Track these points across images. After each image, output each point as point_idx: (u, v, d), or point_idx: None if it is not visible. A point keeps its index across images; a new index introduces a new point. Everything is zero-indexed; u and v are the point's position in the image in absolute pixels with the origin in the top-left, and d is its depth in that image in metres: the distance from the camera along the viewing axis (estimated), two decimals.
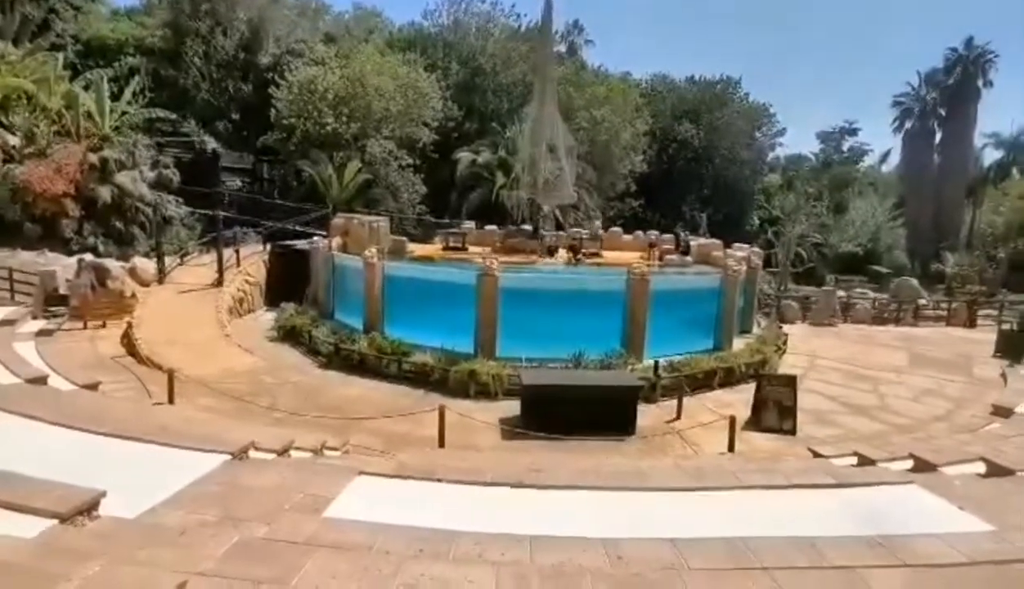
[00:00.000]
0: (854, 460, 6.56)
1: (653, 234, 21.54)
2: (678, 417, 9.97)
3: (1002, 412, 10.16)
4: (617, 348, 11.98)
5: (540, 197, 19.91)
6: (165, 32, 29.11)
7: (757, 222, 41.10)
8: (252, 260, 18.16)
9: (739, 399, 10.77)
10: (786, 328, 16.80)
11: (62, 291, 13.97)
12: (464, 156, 28.67)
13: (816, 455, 7.48)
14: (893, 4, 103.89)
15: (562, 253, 18.67)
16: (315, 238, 18.10)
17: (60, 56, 23.23)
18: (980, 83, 42.39)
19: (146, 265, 16.88)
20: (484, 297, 11.96)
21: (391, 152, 26.70)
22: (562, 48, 39.56)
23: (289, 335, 13.93)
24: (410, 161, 27.38)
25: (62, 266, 14.97)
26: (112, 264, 15.54)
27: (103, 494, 3.34)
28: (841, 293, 23.32)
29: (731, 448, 8.54)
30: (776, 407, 9.81)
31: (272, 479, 4.39)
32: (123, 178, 20.03)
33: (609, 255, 19.38)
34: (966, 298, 24.88)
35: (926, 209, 42.33)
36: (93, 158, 19.43)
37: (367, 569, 2.77)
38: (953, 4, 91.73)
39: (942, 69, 43.68)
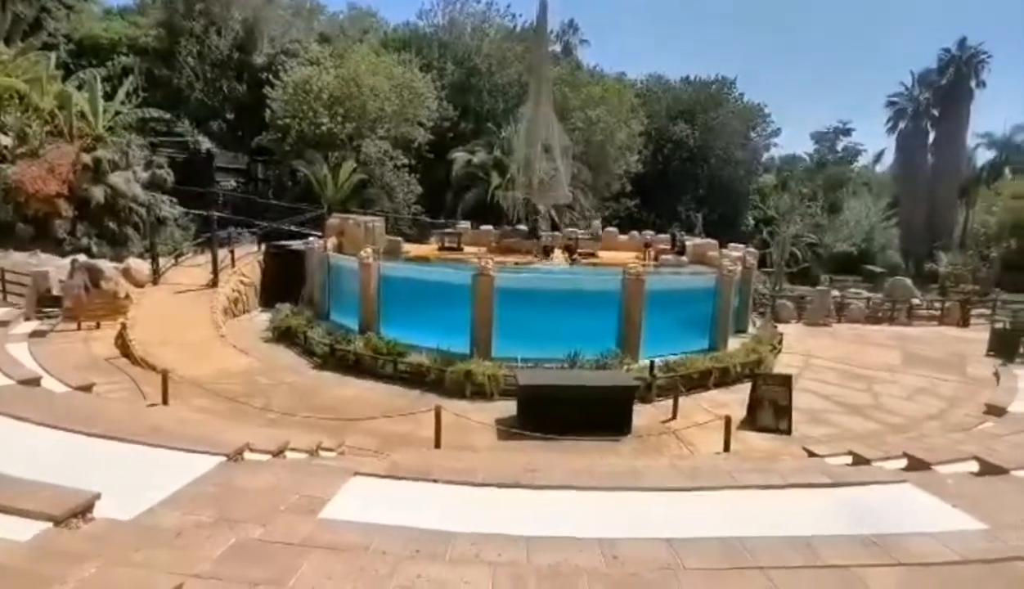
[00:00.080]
0: (849, 459, 6.58)
1: (648, 234, 21.58)
2: (674, 417, 9.99)
3: (995, 411, 10.24)
4: (613, 348, 12.00)
5: (535, 197, 19.92)
6: (159, 31, 29.00)
7: (752, 222, 41.24)
8: (247, 261, 18.09)
9: (735, 399, 10.80)
10: (781, 328, 16.85)
11: (55, 292, 13.88)
12: (460, 156, 28.66)
13: (811, 454, 7.50)
14: (887, 5, 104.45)
15: (558, 253, 18.68)
16: (310, 238, 18.05)
17: (52, 55, 23.06)
18: (973, 83, 42.65)
19: (140, 266, 16.79)
20: (480, 297, 11.96)
21: (386, 152, 26.66)
22: (557, 48, 39.60)
23: (284, 336, 13.89)
24: (406, 161, 27.35)
25: (55, 267, 14.87)
26: (106, 265, 15.45)
27: (97, 496, 3.32)
28: (836, 293, 23.43)
29: (727, 448, 8.56)
30: (771, 407, 9.85)
31: (267, 480, 4.38)
32: (116, 178, 19.92)
33: (605, 255, 19.40)
34: (959, 297, 25.02)
35: (920, 209, 42.55)
36: (86, 158, 19.32)
37: (363, 570, 2.76)
38: (946, 5, 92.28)
39: (935, 69, 43.93)
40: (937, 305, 23.91)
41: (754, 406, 10.00)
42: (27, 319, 12.99)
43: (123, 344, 12.15)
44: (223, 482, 4.20)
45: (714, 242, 19.29)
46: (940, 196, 42.69)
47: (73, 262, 14.68)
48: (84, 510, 3.23)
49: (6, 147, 18.67)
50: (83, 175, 19.11)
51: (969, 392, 12.03)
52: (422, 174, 28.22)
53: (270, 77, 27.00)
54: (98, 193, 19.19)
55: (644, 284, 12.41)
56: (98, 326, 13.16)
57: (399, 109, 26.98)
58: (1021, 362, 14.07)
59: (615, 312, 12.50)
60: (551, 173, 19.69)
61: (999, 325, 17.25)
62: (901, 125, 45.30)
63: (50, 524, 3.02)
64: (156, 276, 16.66)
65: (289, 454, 5.73)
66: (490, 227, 21.62)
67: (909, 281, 27.03)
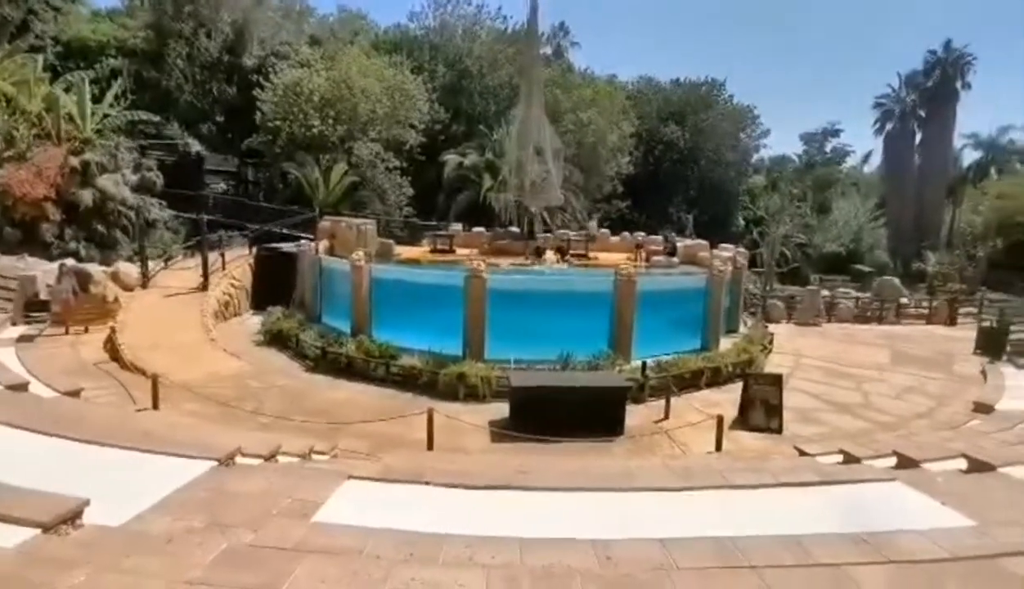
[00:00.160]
0: (839, 458, 6.63)
1: (640, 235, 21.69)
2: (666, 417, 10.02)
3: (983, 408, 10.36)
4: (605, 349, 12.03)
5: (527, 199, 19.95)
6: (147, 33, 28.75)
7: (742, 223, 41.50)
8: (238, 263, 18.00)
9: (726, 398, 10.85)
10: (771, 327, 16.96)
11: (43, 296, 13.75)
12: (451, 158, 28.65)
13: (802, 453, 7.55)
14: (875, 7, 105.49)
15: (550, 255, 18.72)
16: (302, 241, 17.98)
17: (40, 58, 22.82)
18: (959, 85, 43.15)
19: (129, 269, 16.67)
20: (472, 299, 11.95)
21: (378, 154, 26.61)
22: (548, 50, 39.65)
23: (276, 339, 13.82)
24: (397, 163, 27.31)
25: (43, 271, 14.72)
26: (94, 268, 15.32)
27: (86, 502, 3.28)
28: (825, 292, 23.60)
29: (719, 447, 8.61)
30: (763, 406, 9.90)
31: (259, 484, 4.35)
32: (105, 181, 19.75)
33: (596, 256, 19.47)
34: (947, 296, 25.26)
35: (907, 209, 42.98)
36: (74, 161, 19.14)
37: (357, 574, 2.76)
38: (933, 7, 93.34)
39: (921, 71, 44.44)
40: (925, 304, 24.15)
41: (746, 405, 10.05)
42: (14, 324, 12.86)
43: (112, 348, 12.05)
44: (214, 487, 4.17)
45: (705, 243, 19.42)
46: (927, 196, 43.14)
47: (61, 266, 14.54)
48: (73, 516, 3.19)
49: None
50: (71, 178, 18.92)
51: (957, 390, 12.16)
52: (414, 176, 28.19)
53: (260, 79, 26.87)
54: (86, 196, 19.00)
55: (636, 285, 12.44)
56: (87, 330, 13.05)
57: (390, 111, 26.95)
58: (1007, 360, 14.22)
59: (607, 313, 12.53)
60: (543, 175, 19.74)
61: (986, 323, 17.42)
62: (888, 126, 45.77)
63: (38, 531, 2.98)
64: (145, 280, 16.55)
65: (281, 458, 5.70)
66: (482, 229, 21.64)
67: (897, 280, 27.30)
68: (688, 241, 20.76)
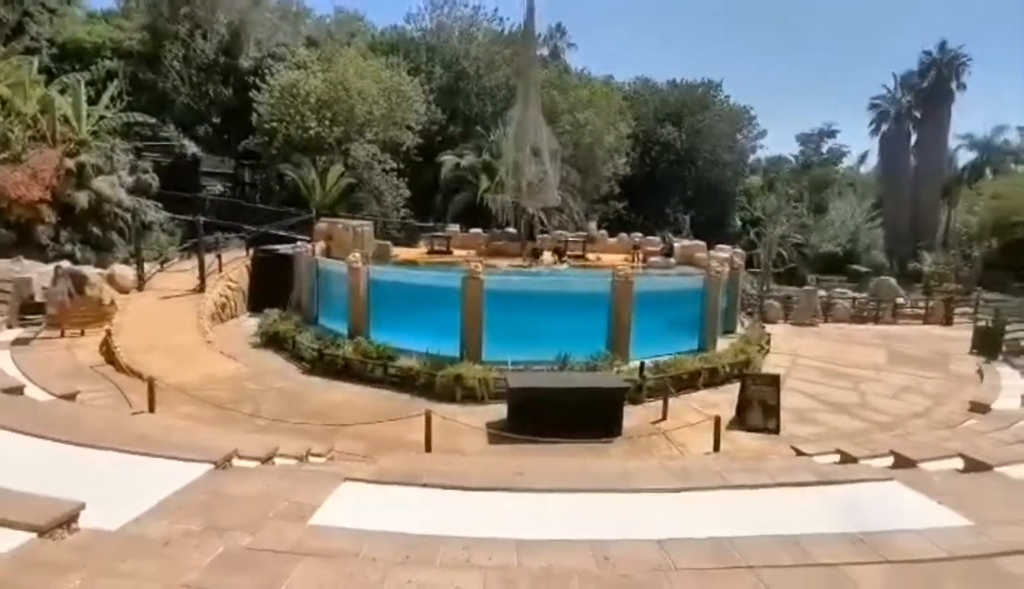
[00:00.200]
0: (836, 458, 6.64)
1: (637, 236, 21.73)
2: (664, 418, 10.03)
3: (979, 408, 10.40)
4: (602, 350, 12.03)
5: (524, 200, 19.97)
6: (143, 35, 28.71)
7: (739, 223, 41.60)
8: (234, 265, 17.96)
9: (724, 399, 10.87)
10: (768, 328, 16.99)
11: (38, 299, 13.68)
12: (448, 159, 28.66)
13: (799, 453, 7.57)
14: (870, 7, 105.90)
15: (547, 256, 18.74)
16: (298, 243, 17.95)
17: (35, 59, 22.79)
18: (954, 86, 43.31)
19: (125, 272, 16.61)
20: (469, 300, 11.94)
21: (375, 156, 26.61)
22: (545, 51, 39.70)
23: (272, 341, 13.79)
24: (394, 165, 27.31)
25: (38, 273, 14.66)
26: (90, 271, 15.25)
27: (82, 506, 3.26)
28: (822, 293, 23.67)
29: (716, 448, 8.62)
30: (760, 406, 9.92)
31: (256, 487, 4.34)
32: (101, 183, 19.70)
33: (594, 257, 19.49)
34: (943, 296, 25.36)
35: (903, 209, 43.12)
36: (70, 163, 19.08)
37: (353, 576, 2.75)
38: (928, 7, 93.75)
39: (916, 72, 44.59)
40: (921, 304, 24.24)
41: (743, 406, 10.07)
42: (9, 327, 12.79)
43: (108, 351, 12.00)
44: (211, 490, 4.15)
45: (702, 243, 19.46)
46: (923, 197, 43.29)
47: (57, 268, 14.47)
48: (69, 520, 3.17)
49: None
50: (67, 180, 18.87)
51: (953, 390, 12.20)
52: (411, 177, 28.19)
53: (257, 81, 26.86)
54: (82, 198, 18.95)
55: (633, 286, 12.46)
56: (82, 333, 12.99)
57: (387, 113, 26.95)
58: (1003, 359, 14.28)
59: (605, 314, 12.54)
60: (540, 176, 19.76)
61: (981, 323, 17.50)
62: (884, 127, 45.91)
63: (34, 535, 2.96)
64: (141, 282, 16.49)
65: (278, 460, 5.69)
66: (479, 230, 21.64)
67: (894, 280, 27.41)
68: (685, 242, 20.81)
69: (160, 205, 22.13)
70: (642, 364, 11.18)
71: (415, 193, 28.16)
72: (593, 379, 10.76)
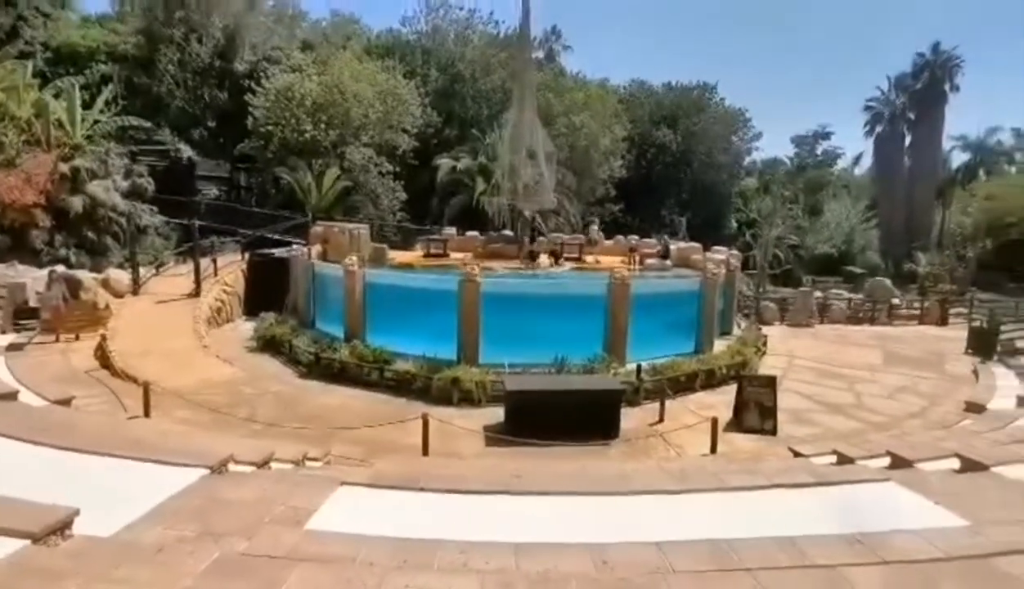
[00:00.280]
0: (833, 458, 6.66)
1: (634, 239, 21.76)
2: (661, 420, 10.03)
3: (974, 408, 10.44)
4: (599, 352, 12.02)
5: (520, 203, 19.99)
6: (138, 39, 28.68)
7: (735, 225, 41.69)
8: (230, 269, 17.89)
9: (721, 400, 10.87)
10: (765, 329, 17.01)
11: (32, 304, 13.64)
12: (444, 162, 28.69)
13: (796, 454, 7.58)
14: (865, 9, 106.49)
15: (544, 258, 18.75)
16: (294, 246, 17.91)
17: (29, 64, 22.73)
18: (947, 87, 43.58)
19: (120, 276, 16.54)
20: (466, 303, 11.93)
21: (371, 159, 26.60)
22: (540, 54, 39.78)
23: (269, 345, 13.74)
24: (390, 168, 27.32)
25: (32, 278, 14.61)
26: (84, 275, 15.20)
27: (76, 512, 3.24)
28: (818, 294, 23.75)
29: (713, 449, 8.62)
30: (757, 408, 9.92)
31: (252, 492, 4.32)
32: (95, 187, 19.65)
33: (590, 260, 19.52)
34: (938, 297, 25.46)
35: (898, 211, 43.32)
36: (64, 167, 19.04)
37: (350, 581, 2.73)
38: (922, 9, 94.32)
39: (910, 74, 44.84)
40: (916, 305, 24.33)
41: (740, 407, 10.07)
42: (3, 332, 12.74)
43: (103, 356, 11.95)
44: (206, 495, 4.13)
45: (698, 245, 19.50)
46: (917, 198, 43.51)
47: (51, 273, 14.43)
48: (63, 526, 3.15)
49: None
50: (61, 184, 18.82)
51: (948, 390, 12.23)
52: (407, 181, 28.20)
53: (252, 84, 26.85)
54: (76, 203, 18.90)
55: (630, 288, 12.46)
56: (77, 338, 12.93)
57: (383, 116, 26.97)
58: (998, 360, 14.34)
59: (601, 316, 12.54)
60: (536, 178, 19.79)
61: (976, 323, 17.56)
62: (878, 129, 46.16)
63: (27, 541, 2.94)
64: (137, 286, 16.42)
65: (274, 465, 5.66)
66: (476, 233, 21.65)
67: (889, 281, 27.49)
68: (681, 244, 20.84)
69: (155, 209, 22.08)
70: (639, 366, 11.19)
71: (411, 196, 28.16)
72: (590, 381, 10.75)
